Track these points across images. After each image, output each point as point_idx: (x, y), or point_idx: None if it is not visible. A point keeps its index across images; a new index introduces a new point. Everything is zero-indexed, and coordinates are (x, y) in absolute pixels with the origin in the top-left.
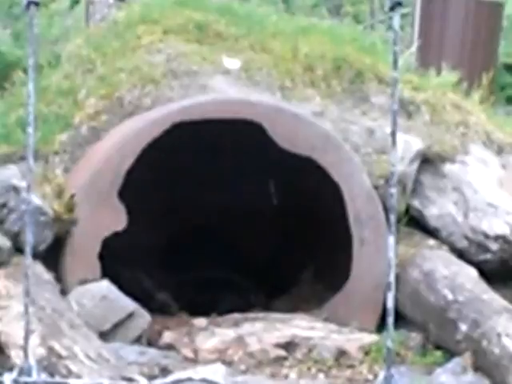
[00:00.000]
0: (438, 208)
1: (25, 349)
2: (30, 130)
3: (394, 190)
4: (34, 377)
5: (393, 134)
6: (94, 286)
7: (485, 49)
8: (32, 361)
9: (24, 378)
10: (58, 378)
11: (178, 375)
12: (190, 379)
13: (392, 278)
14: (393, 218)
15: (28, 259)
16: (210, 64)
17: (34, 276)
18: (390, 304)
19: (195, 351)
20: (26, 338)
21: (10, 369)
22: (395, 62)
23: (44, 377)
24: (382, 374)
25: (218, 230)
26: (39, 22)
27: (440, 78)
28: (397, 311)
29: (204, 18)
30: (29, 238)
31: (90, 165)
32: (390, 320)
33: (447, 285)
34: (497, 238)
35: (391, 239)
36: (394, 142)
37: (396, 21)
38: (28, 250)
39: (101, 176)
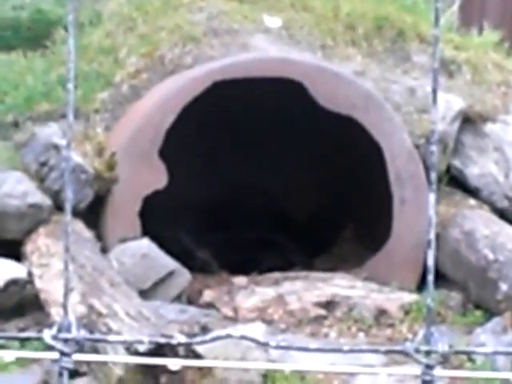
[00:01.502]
0: (478, 168)
1: (64, 305)
2: (70, 86)
3: (434, 148)
4: (74, 333)
5: (434, 91)
6: (134, 244)
7: None
8: (72, 317)
9: (63, 335)
10: (97, 335)
11: (217, 333)
12: (229, 336)
13: (432, 236)
14: (433, 175)
15: (68, 216)
16: (250, 22)
17: (74, 234)
18: (431, 262)
19: (235, 310)
20: (66, 295)
21: (50, 326)
22: (437, 20)
23: (83, 333)
24: (421, 333)
25: (259, 189)
26: None
27: (482, 38)
28: (437, 271)
29: None
30: (69, 196)
31: (131, 123)
32: (431, 278)
33: (488, 244)
34: None
35: (432, 197)
36: (434, 100)
37: None
38: (68, 207)
39: (141, 134)
